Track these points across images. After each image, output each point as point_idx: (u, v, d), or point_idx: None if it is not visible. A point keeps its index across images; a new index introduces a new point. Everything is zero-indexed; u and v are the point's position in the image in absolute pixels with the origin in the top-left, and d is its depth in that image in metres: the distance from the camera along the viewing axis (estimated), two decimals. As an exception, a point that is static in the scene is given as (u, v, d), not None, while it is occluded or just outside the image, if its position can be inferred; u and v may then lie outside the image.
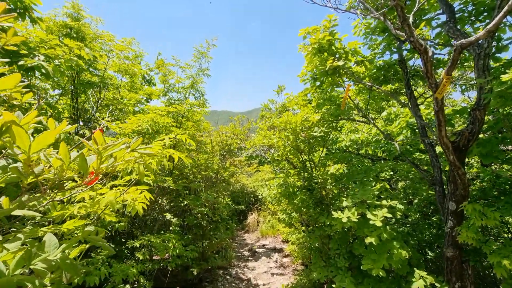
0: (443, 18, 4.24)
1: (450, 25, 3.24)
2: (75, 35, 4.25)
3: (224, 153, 7.34)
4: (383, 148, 5.29)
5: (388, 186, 5.86)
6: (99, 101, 5.29)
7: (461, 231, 3.00)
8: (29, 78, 4.91)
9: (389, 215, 3.07)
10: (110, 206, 1.45)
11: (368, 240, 3.05)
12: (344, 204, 3.37)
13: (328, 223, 3.60)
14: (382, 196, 3.64)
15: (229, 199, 9.73)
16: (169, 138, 1.51)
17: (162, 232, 5.84)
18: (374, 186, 3.65)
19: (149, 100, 7.21)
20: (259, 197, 6.86)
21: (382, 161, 6.01)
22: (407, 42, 4.57)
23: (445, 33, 4.01)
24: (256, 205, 12.82)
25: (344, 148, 6.01)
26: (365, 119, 6.40)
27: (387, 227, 3.21)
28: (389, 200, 3.22)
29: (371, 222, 3.05)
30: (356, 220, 3.11)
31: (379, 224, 2.98)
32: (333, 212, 3.33)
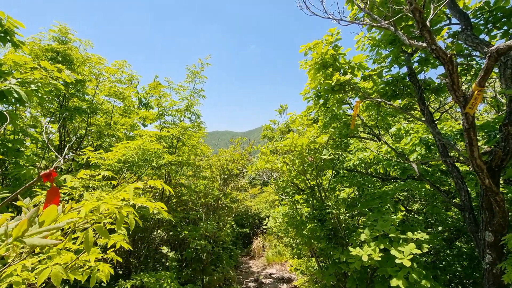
0: (454, 28, 3.99)
1: (468, 33, 2.93)
2: (61, 59, 4.01)
3: (225, 177, 6.91)
4: (395, 167, 4.85)
5: (403, 209, 5.35)
6: (80, 132, 4.98)
7: (507, 269, 2.52)
8: (16, 106, 4.64)
9: (418, 251, 2.59)
10: (54, 280, 1.03)
11: (394, 283, 2.56)
12: (362, 237, 2.90)
13: (344, 259, 3.11)
14: (400, 224, 3.18)
15: (233, 222, 9.18)
16: (135, 188, 1.12)
17: (159, 261, 5.30)
18: (394, 215, 3.19)
19: (146, 125, 6.90)
20: (265, 226, 6.34)
21: (393, 180, 5.55)
22: (415, 55, 4.30)
23: (458, 43, 3.75)
24: (261, 228, 12.21)
25: (352, 168, 5.57)
26: (373, 137, 6.01)
27: (414, 263, 2.73)
28: (415, 233, 2.75)
29: (397, 260, 2.58)
30: (379, 259, 2.63)
31: (407, 263, 2.50)
32: (350, 249, 2.85)
